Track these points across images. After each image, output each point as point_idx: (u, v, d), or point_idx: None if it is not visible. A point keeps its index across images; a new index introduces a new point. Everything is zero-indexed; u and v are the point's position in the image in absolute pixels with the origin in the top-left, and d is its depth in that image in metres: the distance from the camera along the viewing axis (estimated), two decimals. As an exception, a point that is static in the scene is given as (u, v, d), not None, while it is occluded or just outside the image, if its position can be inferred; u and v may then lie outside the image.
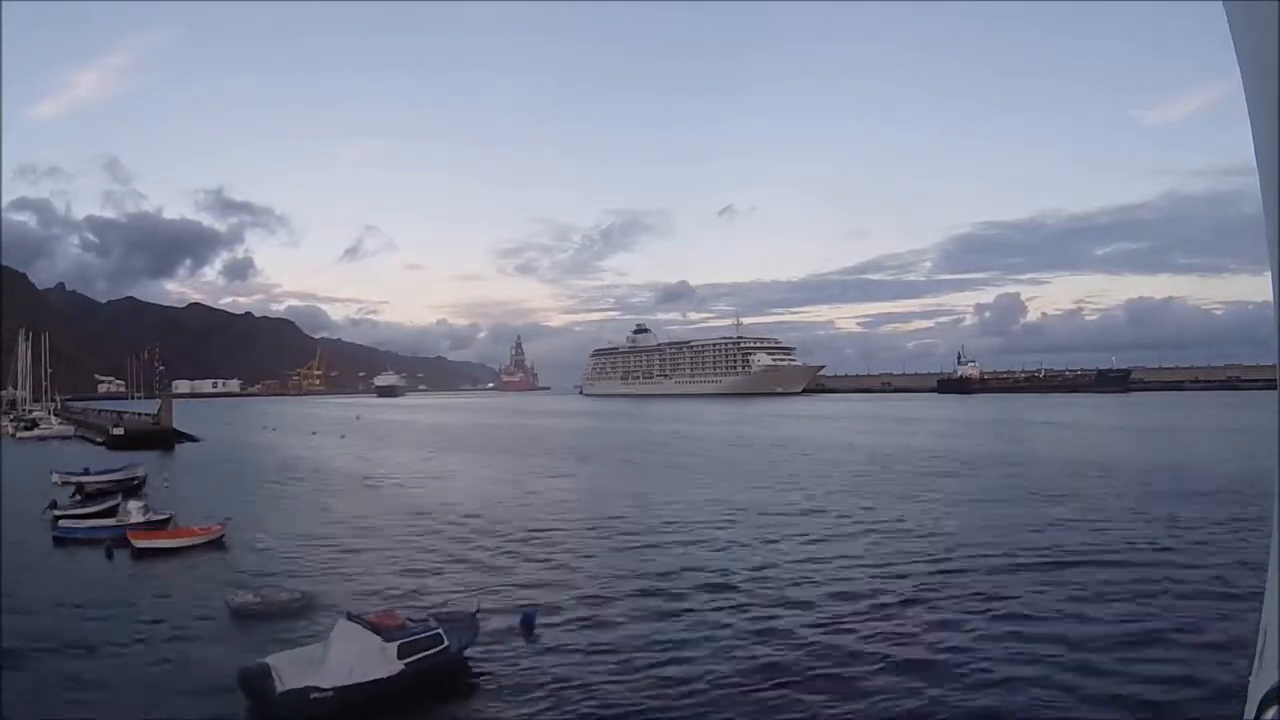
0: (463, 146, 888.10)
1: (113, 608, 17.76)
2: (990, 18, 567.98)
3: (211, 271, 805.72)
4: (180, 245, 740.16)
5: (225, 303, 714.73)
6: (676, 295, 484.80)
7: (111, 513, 27.69)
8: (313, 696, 11.68)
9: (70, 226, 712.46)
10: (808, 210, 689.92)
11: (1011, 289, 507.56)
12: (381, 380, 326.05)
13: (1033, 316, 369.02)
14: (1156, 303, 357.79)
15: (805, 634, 15.28)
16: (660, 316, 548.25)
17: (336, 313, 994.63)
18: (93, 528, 25.78)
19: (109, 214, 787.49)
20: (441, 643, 13.15)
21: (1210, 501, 28.40)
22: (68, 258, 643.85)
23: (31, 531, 26.49)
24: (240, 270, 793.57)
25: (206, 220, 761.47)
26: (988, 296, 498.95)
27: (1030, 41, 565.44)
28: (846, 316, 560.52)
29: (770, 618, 16.28)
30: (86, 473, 37.36)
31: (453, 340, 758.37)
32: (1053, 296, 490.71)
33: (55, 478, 35.79)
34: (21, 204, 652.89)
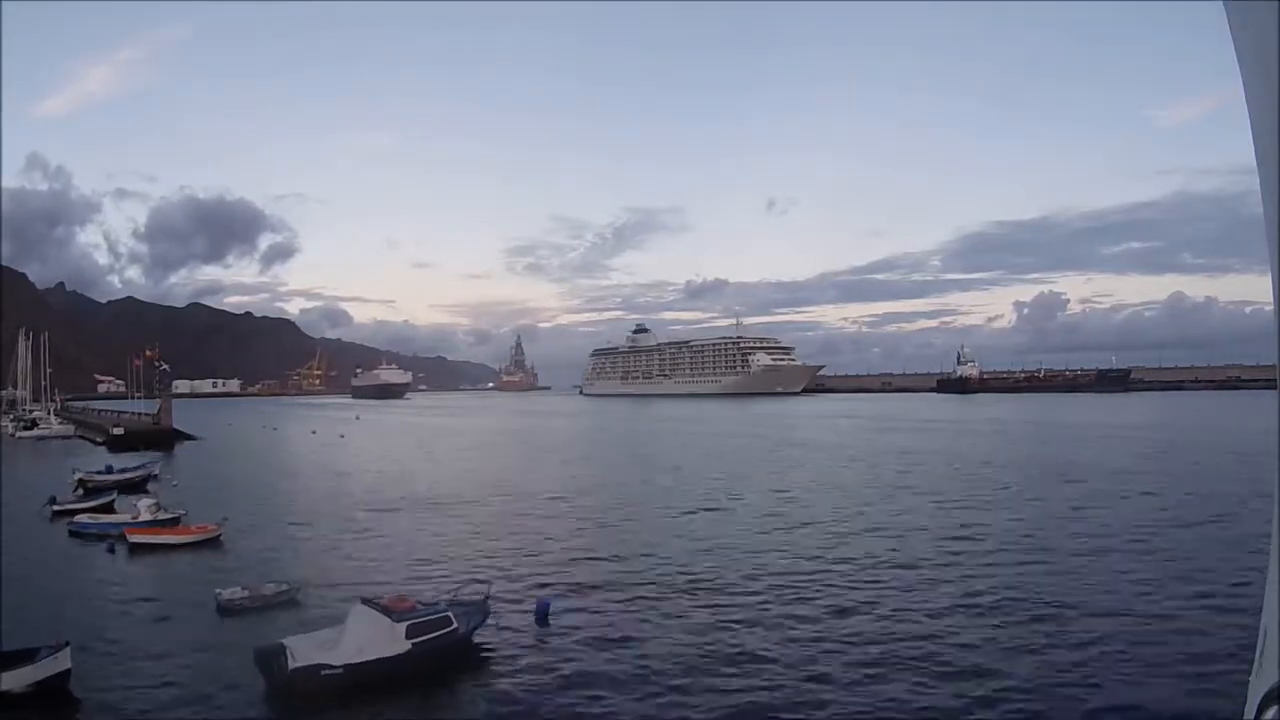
0: (476, 145, 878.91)
1: (105, 603, 18.06)
2: (1006, 18, 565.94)
3: (255, 253, 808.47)
4: (223, 229, 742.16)
5: (230, 302, 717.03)
6: (704, 291, 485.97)
7: (108, 508, 28.35)
8: (323, 673, 12.39)
9: (89, 208, 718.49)
10: (822, 210, 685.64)
11: (1015, 288, 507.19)
12: (387, 374, 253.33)
13: (1058, 314, 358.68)
14: (1176, 302, 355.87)
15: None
16: (678, 315, 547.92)
17: (361, 313, 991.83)
18: (105, 524, 26.07)
19: (124, 204, 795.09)
20: (450, 625, 13.93)
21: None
22: (79, 247, 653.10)
23: (44, 527, 27.21)
24: (285, 252, 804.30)
25: (240, 211, 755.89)
26: (992, 296, 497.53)
27: (1045, 43, 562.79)
28: (855, 316, 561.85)
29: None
30: (109, 471, 38.43)
31: (457, 340, 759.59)
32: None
33: (77, 475, 36.58)
34: (36, 162, 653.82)
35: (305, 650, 12.73)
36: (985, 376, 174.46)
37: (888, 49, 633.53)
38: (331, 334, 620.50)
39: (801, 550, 22.39)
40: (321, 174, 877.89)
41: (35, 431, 73.19)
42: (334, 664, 12.56)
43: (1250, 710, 1.40)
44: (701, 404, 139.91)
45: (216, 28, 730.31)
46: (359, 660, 12.74)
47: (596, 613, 16.73)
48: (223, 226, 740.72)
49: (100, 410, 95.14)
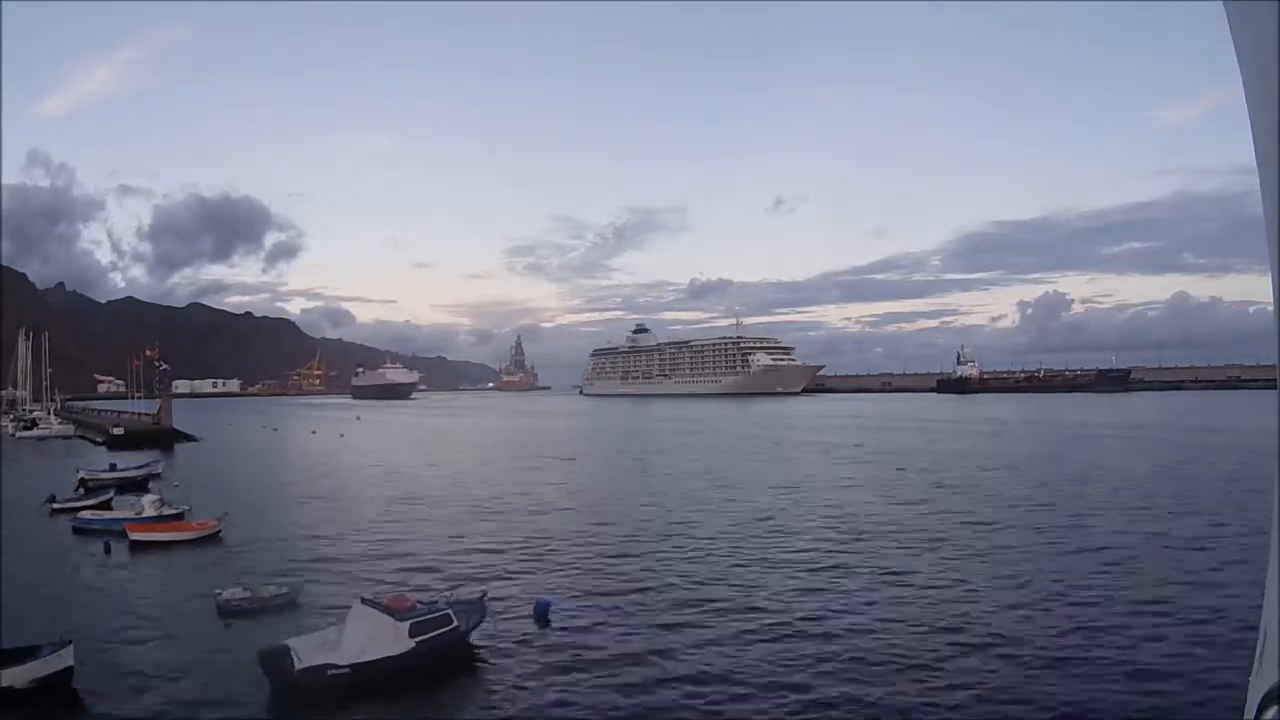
0: (476, 145, 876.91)
1: (106, 601, 18.10)
2: (1006, 18, 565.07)
3: (261, 251, 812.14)
4: (229, 228, 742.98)
5: (231, 302, 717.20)
6: (707, 291, 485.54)
7: (107, 505, 28.54)
8: (330, 673, 12.40)
9: (91, 205, 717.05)
10: (822, 210, 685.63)
11: (1016, 288, 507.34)
12: (393, 373, 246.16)
13: (1061, 314, 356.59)
14: (1180, 302, 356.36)
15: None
16: (678, 315, 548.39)
17: (362, 313, 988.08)
18: (108, 520, 26.25)
19: (127, 201, 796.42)
20: (451, 623, 13.97)
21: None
22: (80, 245, 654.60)
23: (45, 525, 27.46)
24: (290, 250, 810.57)
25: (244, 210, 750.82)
26: (992, 296, 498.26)
27: (1045, 43, 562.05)
28: (856, 316, 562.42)
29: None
30: (113, 470, 39.03)
31: (457, 340, 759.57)
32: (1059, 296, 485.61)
33: (80, 474, 36.99)
34: (37, 159, 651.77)
35: (310, 651, 12.72)
36: (985, 376, 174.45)
37: (888, 49, 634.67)
38: (332, 334, 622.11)
39: (803, 551, 22.40)
40: (322, 174, 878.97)
41: (35, 431, 73.21)
42: (340, 664, 12.56)
43: (1250, 710, 1.40)
44: (701, 404, 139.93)
45: (216, 28, 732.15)
46: (364, 660, 12.74)
47: (596, 613, 16.72)
48: (228, 225, 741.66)
49: (100, 410, 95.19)
